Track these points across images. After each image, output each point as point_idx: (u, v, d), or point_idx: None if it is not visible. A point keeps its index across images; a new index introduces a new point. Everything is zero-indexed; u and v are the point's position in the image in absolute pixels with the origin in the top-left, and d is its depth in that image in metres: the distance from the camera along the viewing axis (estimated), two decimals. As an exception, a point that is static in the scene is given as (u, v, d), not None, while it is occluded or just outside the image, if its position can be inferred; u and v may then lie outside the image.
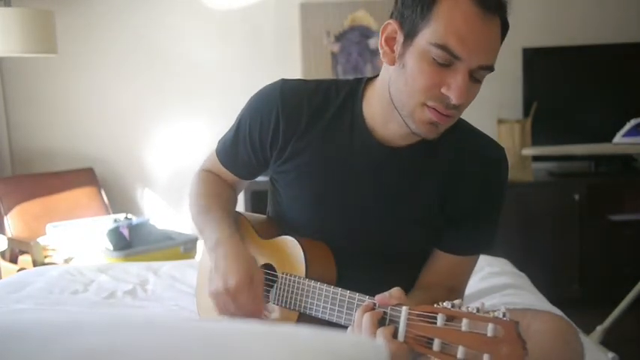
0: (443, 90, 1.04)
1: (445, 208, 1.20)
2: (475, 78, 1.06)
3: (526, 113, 3.20)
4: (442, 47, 1.01)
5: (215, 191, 1.33)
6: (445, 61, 1.02)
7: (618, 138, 2.46)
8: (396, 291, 0.99)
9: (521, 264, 2.13)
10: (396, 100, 1.10)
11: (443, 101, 1.05)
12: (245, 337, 0.55)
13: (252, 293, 1.13)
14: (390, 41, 1.10)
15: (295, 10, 3.42)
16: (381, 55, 1.12)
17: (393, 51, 1.10)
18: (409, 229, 1.22)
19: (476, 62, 1.03)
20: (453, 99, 1.03)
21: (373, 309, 0.99)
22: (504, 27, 1.07)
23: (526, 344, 0.78)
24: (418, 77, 1.05)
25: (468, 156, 1.20)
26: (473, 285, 1.82)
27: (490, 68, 1.06)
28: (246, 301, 1.12)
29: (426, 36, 1.03)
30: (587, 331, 2.35)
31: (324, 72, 3.42)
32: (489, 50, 1.04)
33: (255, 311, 1.14)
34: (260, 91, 1.26)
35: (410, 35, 1.06)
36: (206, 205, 1.29)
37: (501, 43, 1.08)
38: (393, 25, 1.09)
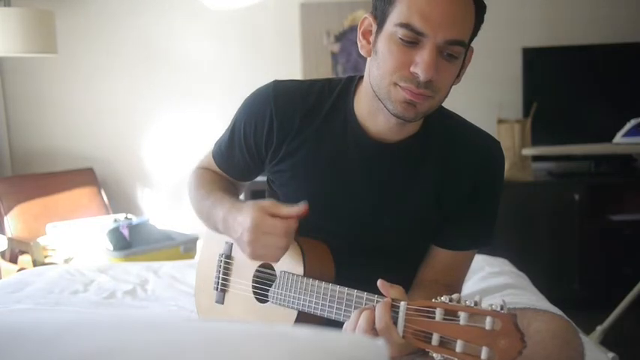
0: (411, 68, 1.04)
1: (441, 203, 1.20)
2: (449, 55, 1.05)
3: (526, 113, 3.20)
4: (406, 26, 1.03)
5: (213, 179, 1.34)
6: (411, 39, 1.03)
7: (618, 138, 2.46)
8: (398, 285, 1.00)
9: (521, 264, 2.13)
10: (374, 86, 1.11)
11: (413, 81, 1.05)
12: (245, 337, 0.55)
13: (272, 218, 1.07)
14: (366, 35, 1.13)
15: (295, 10, 3.42)
16: (359, 49, 1.15)
17: (369, 43, 1.12)
18: (405, 224, 1.22)
19: (441, 37, 1.03)
20: (420, 75, 1.03)
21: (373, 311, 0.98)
22: (479, 5, 1.07)
23: (524, 336, 0.79)
24: (388, 58, 1.06)
25: (462, 150, 1.20)
26: (473, 285, 1.82)
27: (460, 43, 1.05)
28: (272, 224, 1.07)
29: (393, 19, 1.05)
30: (587, 331, 2.35)
31: (324, 72, 3.42)
32: (455, 24, 1.03)
33: (284, 230, 1.07)
34: (253, 93, 1.26)
35: (381, 23, 1.08)
36: (206, 193, 1.28)
37: (479, 22, 1.08)
38: (368, 19, 1.13)
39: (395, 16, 1.05)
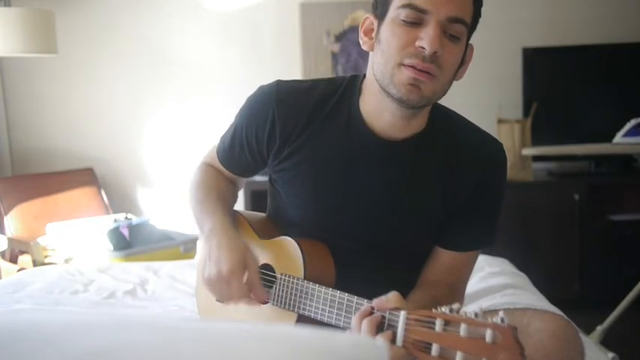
0: (417, 43, 1.06)
1: (445, 201, 1.20)
2: (452, 35, 1.07)
3: (526, 113, 3.20)
4: (408, 6, 1.06)
5: (213, 184, 1.34)
6: (414, 19, 1.06)
7: (618, 138, 2.46)
8: (393, 295, 0.98)
9: (521, 264, 2.13)
10: (378, 74, 1.12)
11: (419, 55, 1.06)
12: (245, 337, 0.55)
13: (248, 278, 1.13)
14: (368, 32, 1.16)
15: (295, 10, 3.42)
16: (362, 45, 1.17)
17: (371, 38, 1.15)
18: (409, 221, 1.21)
19: (444, 13, 1.05)
20: (426, 47, 1.05)
21: (371, 313, 0.98)
22: None
23: (524, 350, 0.79)
24: (392, 41, 1.08)
25: (465, 150, 1.20)
26: (473, 285, 1.82)
27: (461, 21, 1.07)
28: (241, 287, 1.12)
29: (395, 4, 1.08)
30: (587, 331, 2.35)
31: (324, 72, 3.41)
32: (455, 1, 1.06)
33: (253, 295, 1.14)
34: (255, 92, 1.26)
35: (382, 15, 1.11)
36: (203, 196, 1.29)
37: (477, 12, 1.11)
38: (369, 19, 1.16)
39: (396, 1, 1.07)
